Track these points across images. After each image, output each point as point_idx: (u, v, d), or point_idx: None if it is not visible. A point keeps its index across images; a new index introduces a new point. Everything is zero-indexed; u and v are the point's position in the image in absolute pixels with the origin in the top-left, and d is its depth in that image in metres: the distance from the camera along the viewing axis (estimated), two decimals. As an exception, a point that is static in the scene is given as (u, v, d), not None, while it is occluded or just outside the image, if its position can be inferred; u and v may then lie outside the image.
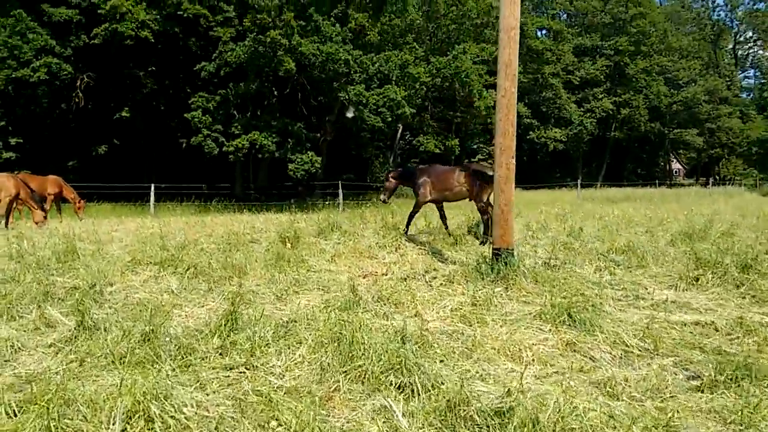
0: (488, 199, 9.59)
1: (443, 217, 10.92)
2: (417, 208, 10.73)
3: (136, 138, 28.52)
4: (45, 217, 12.78)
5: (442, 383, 3.62)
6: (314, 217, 14.88)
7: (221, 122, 25.28)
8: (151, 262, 7.51)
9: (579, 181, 35.62)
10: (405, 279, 6.94)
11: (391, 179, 11.18)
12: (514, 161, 7.15)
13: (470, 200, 10.28)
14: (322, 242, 9.83)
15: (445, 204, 11.02)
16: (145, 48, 25.50)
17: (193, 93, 26.32)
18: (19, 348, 4.37)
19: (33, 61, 23.34)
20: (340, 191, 27.50)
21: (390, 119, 26.60)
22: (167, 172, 28.36)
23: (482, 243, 9.51)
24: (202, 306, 5.74)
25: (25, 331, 4.80)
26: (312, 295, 6.33)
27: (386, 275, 7.48)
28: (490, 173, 9.16)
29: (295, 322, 4.86)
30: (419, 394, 3.53)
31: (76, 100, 25.39)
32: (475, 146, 47.07)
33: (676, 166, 75.14)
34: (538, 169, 52.38)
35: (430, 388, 3.58)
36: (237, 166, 29.02)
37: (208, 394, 3.58)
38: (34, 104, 25.75)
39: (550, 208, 20.39)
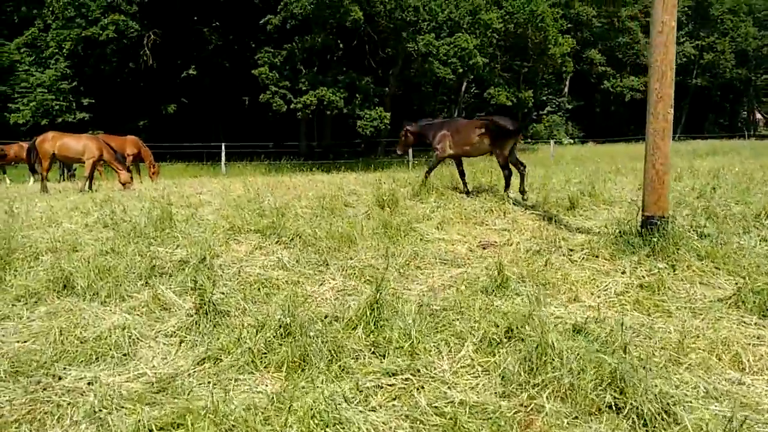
0: (509, 153, 9.50)
1: (462, 174, 10.36)
2: (438, 160, 10.37)
3: (203, 96, 28.31)
4: (131, 178, 12.53)
5: (673, 404, 2.81)
6: (395, 176, 14.12)
7: (288, 78, 24.57)
8: (251, 230, 6.95)
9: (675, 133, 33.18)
10: (538, 251, 6.09)
11: (408, 132, 10.75)
12: (672, 111, 6.07)
13: (491, 155, 9.93)
14: (420, 206, 9.06)
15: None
16: (208, 2, 24.92)
17: (259, 48, 25.67)
18: (137, 338, 3.83)
19: (101, 19, 23.21)
20: (410, 150, 26.56)
21: (461, 70, 25.24)
22: (234, 130, 28.16)
23: (522, 198, 9.36)
24: (321, 284, 5.09)
25: (138, 315, 4.27)
26: (437, 271, 5.60)
27: (509, 245, 6.68)
28: (511, 126, 9.25)
29: (446, 309, 4.12)
30: (648, 424, 2.73)
31: (144, 58, 25.24)
32: (544, 98, 44.79)
33: (757, 116, 69.76)
34: (612, 122, 49.50)
35: (661, 413, 2.77)
36: (301, 123, 28.43)
37: (374, 409, 2.91)
38: (103, 63, 25.80)
39: (637, 163, 18.94)
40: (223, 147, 24.19)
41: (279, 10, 23.63)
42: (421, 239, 6.74)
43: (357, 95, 25.09)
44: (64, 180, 18.43)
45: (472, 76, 28.81)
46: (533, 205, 8.98)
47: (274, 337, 3.56)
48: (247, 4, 26.71)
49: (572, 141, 45.85)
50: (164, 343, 3.81)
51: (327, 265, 5.60)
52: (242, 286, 4.94)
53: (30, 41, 26.68)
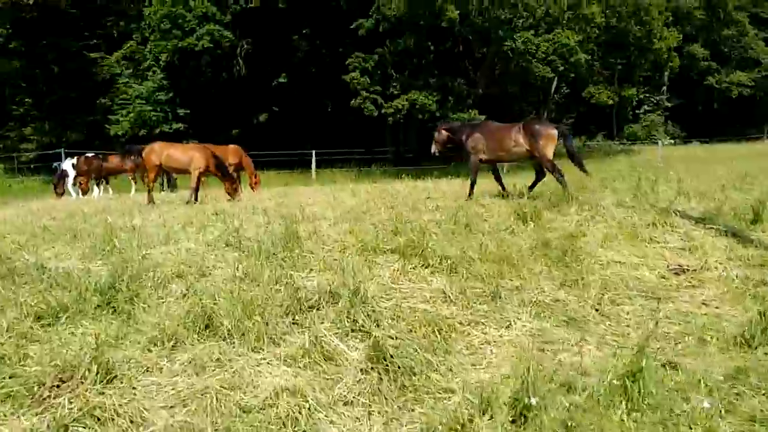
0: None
1: (498, 179, 10.09)
2: (474, 166, 9.92)
3: (293, 104, 28.21)
4: (236, 189, 12.06)
5: None
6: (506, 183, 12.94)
7: (379, 83, 23.90)
8: (387, 250, 6.04)
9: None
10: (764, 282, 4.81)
11: (442, 131, 10.35)
12: None
13: (532, 159, 9.55)
14: (561, 218, 7.88)
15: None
16: (298, 9, 24.73)
17: (348, 54, 25.18)
18: (313, 408, 2.93)
19: (196, 29, 23.46)
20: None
21: (562, 68, 23.65)
22: (322, 137, 27.84)
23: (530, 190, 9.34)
24: (507, 326, 4.07)
25: (301, 368, 3.41)
26: (638, 308, 4.46)
27: (707, 269, 5.44)
28: (553, 130, 9.05)
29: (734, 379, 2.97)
30: None
31: (237, 67, 25.40)
32: (641, 96, 41.79)
33: None
34: (715, 121, 45.62)
35: None
36: (387, 129, 27.67)
37: None
38: (198, 74, 26.18)
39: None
40: (313, 154, 23.83)
41: (371, 13, 23.00)
42: (594, 262, 5.59)
43: (449, 98, 24.07)
44: (164, 190, 18.51)
45: (572, 75, 27.11)
46: (703, 218, 7.59)
47: (512, 422, 2.55)
48: (336, 10, 26.35)
49: (673, 141, 42.57)
50: (347, 416, 2.91)
51: (499, 297, 4.57)
52: (410, 327, 4.01)
53: (128, 54, 27.56)
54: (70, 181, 17.61)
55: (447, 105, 23.90)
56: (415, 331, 3.90)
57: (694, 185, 10.14)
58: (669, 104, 46.05)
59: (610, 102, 30.10)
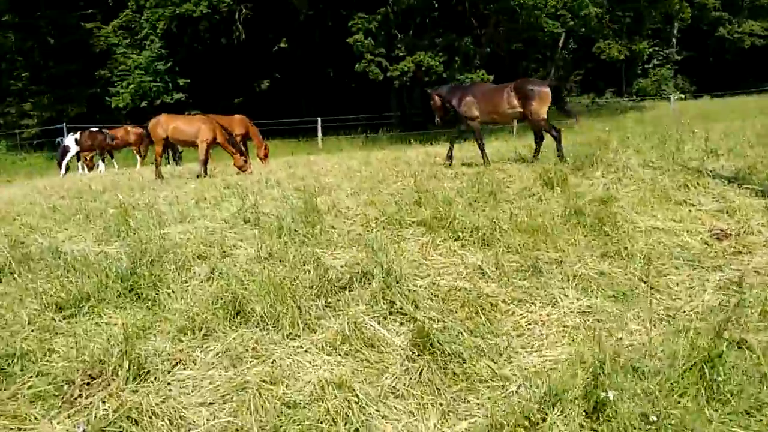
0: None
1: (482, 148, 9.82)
2: (477, 132, 9.82)
3: (295, 70, 27.59)
4: (246, 161, 11.78)
5: None
6: (517, 146, 12.65)
7: (383, 44, 23.26)
8: (412, 222, 5.81)
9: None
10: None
11: (435, 97, 10.11)
12: None
13: (525, 119, 9.49)
14: (586, 182, 7.61)
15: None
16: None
17: (351, 16, 24.42)
18: (364, 403, 2.73)
19: (194, -5, 22.76)
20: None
21: (571, 23, 22.90)
22: (326, 103, 27.30)
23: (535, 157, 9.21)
24: (553, 303, 3.85)
25: (342, 356, 3.21)
26: (686, 277, 4.23)
27: (751, 233, 5.20)
28: (546, 88, 8.84)
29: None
30: None
31: (237, 33, 24.71)
32: (650, 49, 40.66)
33: None
34: (728, 73, 44.55)
35: None
36: (392, 93, 27.06)
37: None
38: (197, 42, 25.54)
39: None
40: (319, 122, 23.40)
41: (374, -30, 22.21)
42: (632, 229, 5.34)
43: (456, 58, 23.42)
44: (169, 163, 18.23)
45: (583, 30, 26.29)
46: (735, 177, 7.30)
47: (586, 416, 2.35)
48: (336, -32, 25.49)
49: (683, 96, 41.73)
50: (399, 409, 2.71)
51: (540, 272, 4.34)
52: (451, 308, 3.80)
53: (125, 23, 26.85)
54: (68, 156, 17.33)
55: (454, 66, 23.28)
56: (457, 312, 3.69)
57: (720, 142, 9.82)
58: (678, 57, 44.99)
59: (621, 57, 29.28)
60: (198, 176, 11.53)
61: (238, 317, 3.68)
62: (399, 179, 9.21)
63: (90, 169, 17.25)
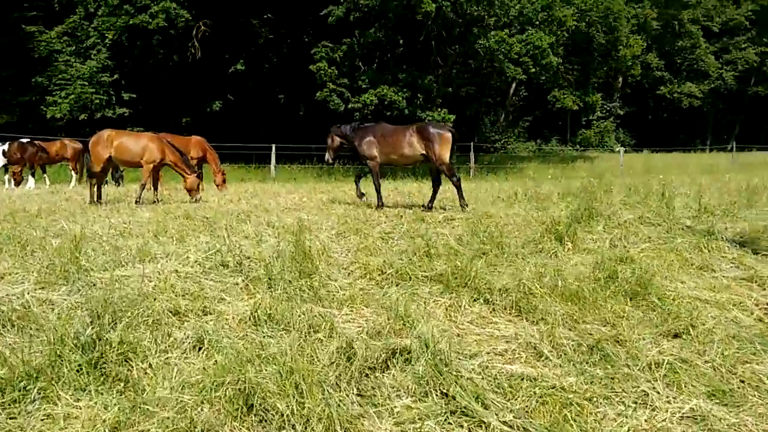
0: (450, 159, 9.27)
1: (378, 186, 9.95)
2: (374, 172, 9.85)
3: (250, 93, 26.53)
4: (199, 185, 10.70)
5: None
6: (490, 187, 12.25)
7: (347, 75, 22.70)
8: (424, 277, 5.02)
9: (734, 144, 30.89)
10: None
11: (334, 137, 10.23)
12: None
13: (429, 162, 9.42)
14: (588, 236, 7.09)
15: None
16: (262, -8, 23.18)
17: (313, 44, 23.81)
18: None
19: (151, 6, 21.46)
20: (472, 155, 24.64)
21: (533, 70, 23.17)
22: (281, 130, 26.31)
23: (429, 207, 9.39)
24: (648, 404, 3.10)
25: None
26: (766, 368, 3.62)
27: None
28: (448, 132, 9.04)
29: None
30: None
31: (192, 50, 23.52)
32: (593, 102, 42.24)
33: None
34: (665, 130, 46.88)
35: None
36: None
37: None
38: (148, 55, 24.10)
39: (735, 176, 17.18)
40: (273, 149, 22.38)
41: (342, 1, 21.71)
42: (673, 299, 4.74)
43: (419, 95, 23.14)
44: (109, 183, 16.73)
45: (543, 77, 26.76)
46: (744, 241, 6.96)
47: None
48: (300, -5, 24.93)
49: (624, 149, 43.38)
50: None
51: (607, 355, 3.61)
52: (523, 404, 2.98)
53: (70, 30, 25.07)
54: (-3, 170, 15.59)
55: (416, 102, 22.98)
56: (536, 414, 2.89)
57: (704, 200, 9.64)
58: (621, 112, 46.96)
59: (575, 107, 30.07)
60: (137, 202, 10.32)
61: (251, 416, 2.73)
62: (383, 219, 8.47)
63: (18, 183, 15.51)
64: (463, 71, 27.16)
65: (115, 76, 24.28)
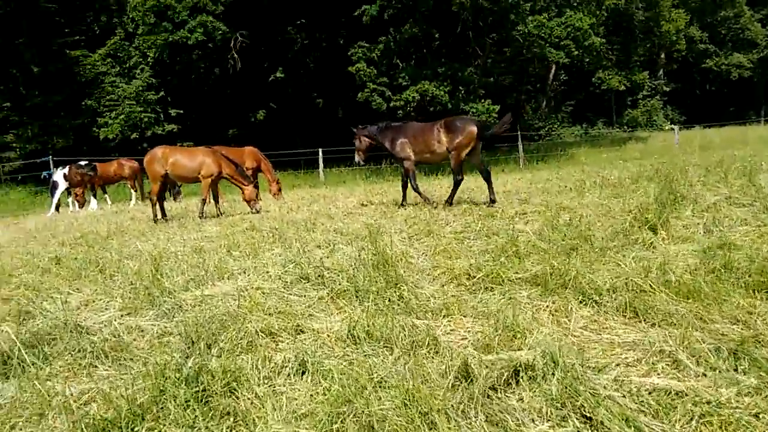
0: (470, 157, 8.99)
1: (405, 187, 9.73)
2: (409, 172, 9.52)
3: (291, 100, 26.60)
4: (257, 195, 10.65)
5: None
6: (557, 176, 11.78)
7: (386, 74, 22.46)
8: (515, 278, 4.69)
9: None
10: None
11: (362, 138, 9.93)
12: None
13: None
14: (678, 222, 6.59)
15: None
16: (296, -1, 23.18)
17: (348, 45, 23.63)
18: None
19: (188, 21, 21.72)
20: (520, 144, 24.02)
21: (576, 53, 22.35)
22: (324, 134, 26.29)
23: (490, 203, 8.89)
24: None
25: None
26: None
27: None
28: (473, 126, 8.65)
29: None
30: None
31: (231, 62, 23.69)
32: (640, 81, 40.78)
33: None
34: (711, 104, 44.87)
35: None
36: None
37: None
38: (190, 71, 24.44)
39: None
40: (320, 153, 22.34)
41: (375, -1, 21.49)
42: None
43: (460, 87, 22.68)
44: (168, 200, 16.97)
45: (587, 59, 25.87)
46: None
47: None
48: (335, -2, 24.80)
49: (673, 126, 41.72)
50: None
51: (751, 359, 3.22)
52: (683, 428, 2.64)
53: (112, 51, 25.67)
54: (58, 193, 15.96)
55: (458, 95, 22.53)
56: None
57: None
58: (667, 89, 45.19)
59: (622, 87, 28.97)
60: (201, 216, 10.35)
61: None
62: (450, 218, 8.16)
63: (81, 205, 15.88)
64: (499, 60, 26.47)
65: (161, 94, 24.71)
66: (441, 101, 21.97)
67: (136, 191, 17.22)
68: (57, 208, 15.77)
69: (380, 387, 2.89)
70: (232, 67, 24.17)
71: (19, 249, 7.84)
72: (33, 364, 3.40)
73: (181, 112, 24.78)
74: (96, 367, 3.49)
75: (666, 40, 29.77)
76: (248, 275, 5.33)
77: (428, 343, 3.51)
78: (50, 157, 20.63)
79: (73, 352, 3.64)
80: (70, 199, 16.48)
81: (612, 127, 42.55)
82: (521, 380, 3.02)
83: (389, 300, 4.37)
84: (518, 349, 3.40)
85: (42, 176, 21.75)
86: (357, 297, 4.49)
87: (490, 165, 23.67)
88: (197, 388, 2.98)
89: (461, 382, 3.02)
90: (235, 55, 23.83)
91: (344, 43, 24.38)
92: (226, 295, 4.72)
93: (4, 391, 3.19)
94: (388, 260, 5.10)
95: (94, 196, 16.46)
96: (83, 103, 24.93)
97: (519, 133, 23.62)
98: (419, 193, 9.55)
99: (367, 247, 5.65)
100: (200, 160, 10.55)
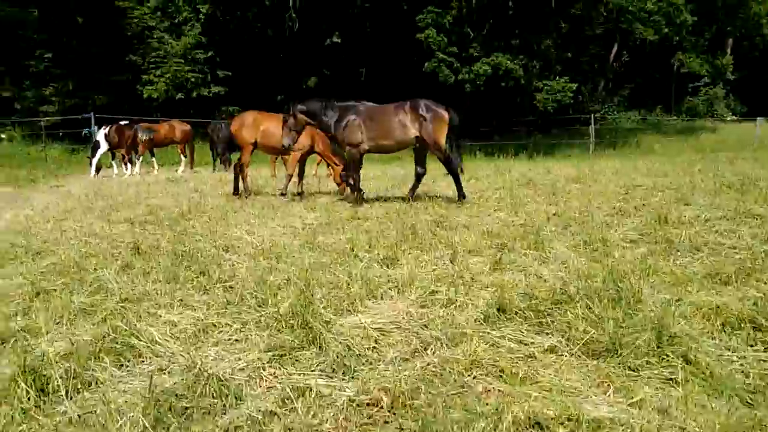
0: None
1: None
2: (353, 163, 7.96)
3: (345, 67, 24.89)
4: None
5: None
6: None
7: (456, 43, 20.61)
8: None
9: None
10: None
11: (298, 114, 7.91)
12: None
13: (421, 148, 7.85)
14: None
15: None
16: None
17: (414, 11, 21.75)
18: None
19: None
20: (592, 129, 22.14)
21: (666, 30, 20.21)
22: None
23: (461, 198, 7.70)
24: None
25: None
26: None
27: None
28: (444, 111, 7.54)
29: None
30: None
31: (290, 23, 22.01)
32: (723, 66, 37.74)
33: None
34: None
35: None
36: (464, 98, 24.35)
37: None
38: (243, 30, 22.83)
39: None
40: (378, 126, 20.69)
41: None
42: None
43: (534, 62, 20.76)
44: (215, 170, 15.61)
45: (677, 38, 23.58)
46: None
47: None
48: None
49: (736, 117, 38.93)
50: None
51: None
52: None
53: (162, 4, 24.14)
54: (98, 154, 14.69)
55: (532, 70, 20.63)
56: None
57: None
58: (732, 76, 42.11)
59: (703, 71, 26.62)
60: (282, 194, 8.97)
61: None
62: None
63: (131, 164, 14.78)
64: (571, 35, 24.35)
65: (210, 53, 23.22)
66: (515, 75, 20.10)
67: (186, 157, 15.90)
68: (98, 170, 14.53)
69: None
70: (289, 28, 22.51)
71: (79, 226, 6.45)
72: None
73: (230, 74, 23.27)
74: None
75: (750, 24, 27.19)
76: (406, 298, 3.80)
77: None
78: (92, 114, 19.36)
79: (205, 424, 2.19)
80: (114, 161, 15.21)
81: (670, 114, 39.96)
82: None
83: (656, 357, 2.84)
84: None
85: (83, 134, 20.55)
86: (613, 351, 2.98)
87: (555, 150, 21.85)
88: None
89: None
90: (294, 15, 22.13)
91: (408, 8, 22.50)
92: (385, 323, 3.23)
93: None
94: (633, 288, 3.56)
95: (138, 158, 15.18)
96: (126, 58, 23.55)
97: (593, 116, 21.69)
98: (354, 190, 7.99)
99: (583, 268, 4.10)
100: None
